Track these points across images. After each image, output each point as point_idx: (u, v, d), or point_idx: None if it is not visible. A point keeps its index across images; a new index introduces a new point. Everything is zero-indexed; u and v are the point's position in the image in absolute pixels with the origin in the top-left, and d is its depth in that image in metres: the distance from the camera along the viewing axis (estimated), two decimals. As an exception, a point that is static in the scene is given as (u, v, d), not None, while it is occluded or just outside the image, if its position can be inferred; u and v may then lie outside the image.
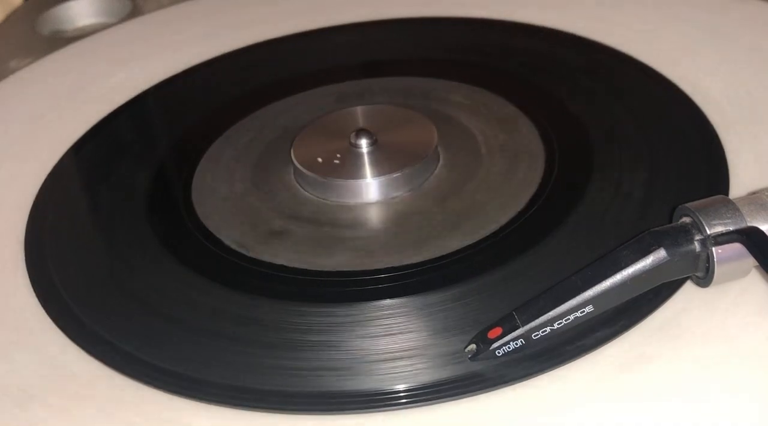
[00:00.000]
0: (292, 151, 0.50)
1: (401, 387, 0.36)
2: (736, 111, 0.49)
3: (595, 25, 0.59)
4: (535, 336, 0.36)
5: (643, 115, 0.50)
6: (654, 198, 0.44)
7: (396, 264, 0.42)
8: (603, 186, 0.45)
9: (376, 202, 0.47)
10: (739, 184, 0.44)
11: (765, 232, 0.36)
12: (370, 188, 0.47)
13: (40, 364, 0.40)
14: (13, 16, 0.75)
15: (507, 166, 0.48)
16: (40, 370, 0.39)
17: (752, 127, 0.48)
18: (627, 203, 0.44)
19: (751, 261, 0.36)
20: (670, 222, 0.38)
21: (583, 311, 0.36)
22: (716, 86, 0.51)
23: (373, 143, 0.49)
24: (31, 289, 0.44)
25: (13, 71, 0.65)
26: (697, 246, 0.36)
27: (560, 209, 0.44)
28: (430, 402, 0.35)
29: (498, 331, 0.36)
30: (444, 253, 0.43)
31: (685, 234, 0.36)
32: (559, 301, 0.35)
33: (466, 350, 0.37)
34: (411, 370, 0.37)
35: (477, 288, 0.40)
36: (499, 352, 0.36)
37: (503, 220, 0.44)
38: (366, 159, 0.48)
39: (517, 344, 0.36)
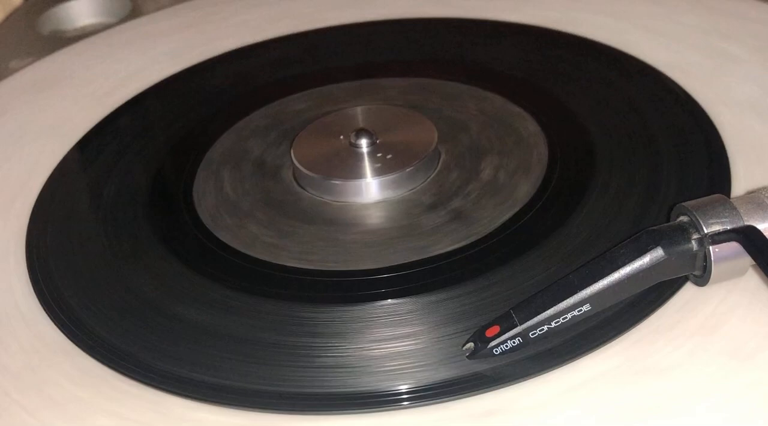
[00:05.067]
0: (292, 151, 0.50)
1: (402, 387, 0.36)
2: (739, 110, 0.49)
3: (596, 24, 0.59)
4: (532, 334, 0.36)
5: (646, 114, 0.50)
6: (656, 197, 0.44)
7: (396, 263, 0.42)
8: (604, 186, 0.45)
9: (376, 202, 0.47)
10: (741, 184, 0.44)
11: (762, 231, 0.36)
12: (370, 188, 0.47)
13: (39, 363, 0.40)
14: (13, 16, 0.75)
15: (507, 166, 0.48)
16: (39, 369, 0.40)
17: (755, 127, 0.48)
18: (628, 202, 0.44)
19: (748, 260, 0.36)
20: (668, 221, 0.38)
21: (581, 310, 0.36)
22: (719, 85, 0.51)
23: (373, 143, 0.49)
24: (32, 289, 0.44)
25: (13, 71, 0.65)
26: (694, 245, 0.36)
27: (561, 209, 0.44)
28: (431, 402, 0.36)
29: (495, 329, 0.36)
30: (444, 251, 0.43)
31: (683, 233, 0.37)
32: (556, 300, 0.36)
33: (464, 348, 0.37)
34: (412, 370, 0.37)
35: (478, 288, 0.40)
36: (496, 351, 0.36)
37: (504, 219, 0.44)
38: (366, 159, 0.48)
39: (514, 343, 0.36)
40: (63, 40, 0.70)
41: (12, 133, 0.58)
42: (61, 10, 0.74)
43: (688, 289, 0.38)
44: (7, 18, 0.75)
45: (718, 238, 0.36)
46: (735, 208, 0.37)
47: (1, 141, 0.57)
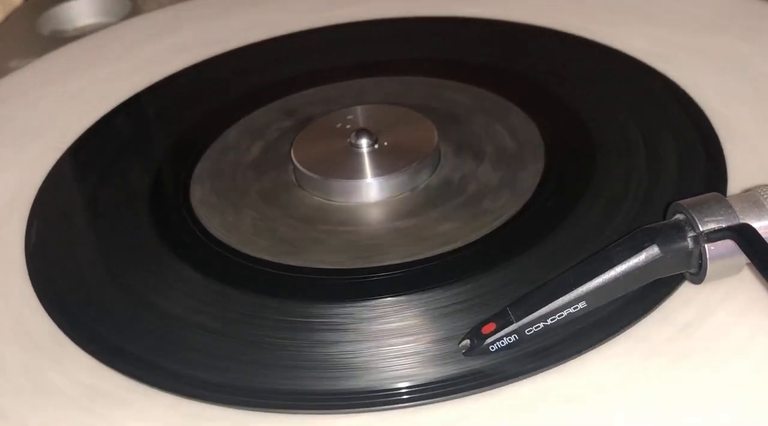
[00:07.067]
0: (292, 151, 0.50)
1: (402, 385, 0.36)
2: (735, 108, 0.49)
3: (594, 24, 0.59)
4: (528, 332, 0.36)
5: (643, 113, 0.50)
6: (653, 196, 0.44)
7: (396, 263, 0.43)
8: (603, 185, 0.45)
9: (376, 202, 0.47)
10: (738, 182, 0.44)
11: (757, 229, 0.36)
12: (370, 188, 0.47)
13: (38, 363, 0.40)
14: (13, 16, 0.75)
15: (507, 166, 0.48)
16: (38, 369, 0.40)
17: (751, 125, 0.48)
18: (626, 201, 0.44)
19: (743, 258, 0.36)
20: (664, 219, 0.39)
21: (577, 307, 0.36)
22: (715, 83, 0.52)
23: (373, 143, 0.49)
24: (32, 289, 0.44)
25: (13, 71, 0.65)
26: (689, 243, 0.36)
27: (560, 208, 0.44)
28: (431, 400, 0.36)
29: (492, 326, 0.36)
30: (444, 251, 0.43)
31: (678, 231, 0.37)
32: (552, 297, 0.36)
33: (460, 345, 0.37)
34: (412, 368, 0.37)
35: (477, 286, 0.40)
36: (492, 348, 0.36)
37: (503, 219, 0.44)
38: (366, 159, 0.48)
39: (510, 340, 0.36)
40: (63, 40, 0.70)
41: (11, 133, 0.58)
42: (61, 10, 0.74)
43: (685, 288, 0.38)
44: (7, 18, 0.75)
45: (714, 236, 0.36)
46: (730, 206, 0.37)
47: (1, 141, 0.57)
